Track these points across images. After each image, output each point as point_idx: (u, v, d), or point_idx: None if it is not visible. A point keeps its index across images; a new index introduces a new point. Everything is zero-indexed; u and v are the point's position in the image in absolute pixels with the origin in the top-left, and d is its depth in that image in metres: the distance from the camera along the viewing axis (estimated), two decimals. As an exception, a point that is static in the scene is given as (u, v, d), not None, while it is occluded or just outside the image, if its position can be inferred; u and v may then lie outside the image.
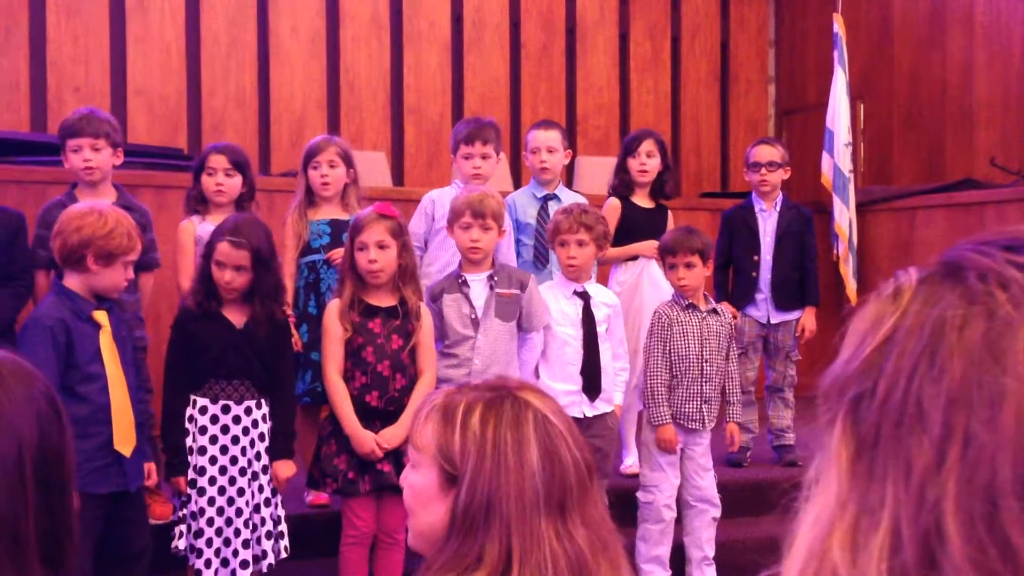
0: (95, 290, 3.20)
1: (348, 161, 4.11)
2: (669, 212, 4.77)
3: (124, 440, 3.17)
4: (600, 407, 3.85)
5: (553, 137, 4.54)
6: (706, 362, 3.95)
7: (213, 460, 3.33)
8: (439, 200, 4.23)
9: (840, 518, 0.66)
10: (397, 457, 3.41)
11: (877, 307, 0.68)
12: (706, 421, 3.96)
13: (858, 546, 0.64)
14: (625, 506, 3.99)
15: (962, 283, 0.65)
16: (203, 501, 3.31)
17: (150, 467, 3.36)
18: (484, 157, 4.24)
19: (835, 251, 6.39)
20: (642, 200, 4.73)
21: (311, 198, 4.09)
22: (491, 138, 4.25)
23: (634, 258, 4.62)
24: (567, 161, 4.65)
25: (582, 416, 3.82)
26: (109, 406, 3.15)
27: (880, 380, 0.65)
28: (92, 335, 3.18)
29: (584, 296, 3.87)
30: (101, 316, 3.20)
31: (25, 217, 3.83)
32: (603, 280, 4.46)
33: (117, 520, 3.24)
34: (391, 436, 3.40)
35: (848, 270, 6.34)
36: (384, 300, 3.49)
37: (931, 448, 0.62)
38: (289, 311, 3.78)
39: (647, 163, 4.68)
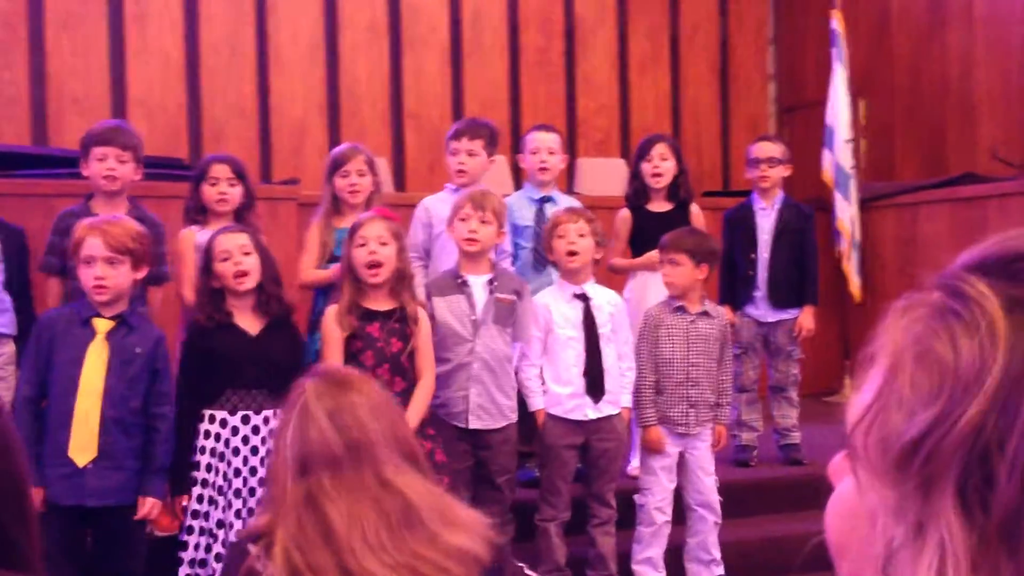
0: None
1: (373, 170, 4.13)
2: (695, 208, 4.70)
3: (80, 449, 3.09)
4: (605, 409, 3.82)
5: (553, 139, 4.54)
6: (692, 366, 3.89)
7: (237, 472, 3.30)
8: (432, 206, 4.22)
9: None
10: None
11: (966, 342, 0.53)
12: (692, 425, 3.90)
13: None
14: (627, 508, 3.97)
15: None
16: (230, 514, 3.27)
17: (147, 502, 3.20)
18: (470, 154, 4.20)
19: (838, 248, 6.38)
20: (658, 205, 4.68)
21: (336, 207, 4.10)
22: (480, 136, 4.22)
23: None
24: (563, 166, 4.64)
25: (585, 418, 3.80)
26: (71, 412, 3.08)
27: (1011, 435, 0.51)
28: (81, 339, 3.15)
29: (584, 298, 3.84)
30: (100, 324, 3.18)
31: (25, 233, 3.87)
32: (616, 291, 4.38)
33: (99, 539, 3.18)
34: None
35: (851, 267, 6.33)
36: (382, 304, 3.49)
37: None
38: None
39: (661, 166, 4.64)
